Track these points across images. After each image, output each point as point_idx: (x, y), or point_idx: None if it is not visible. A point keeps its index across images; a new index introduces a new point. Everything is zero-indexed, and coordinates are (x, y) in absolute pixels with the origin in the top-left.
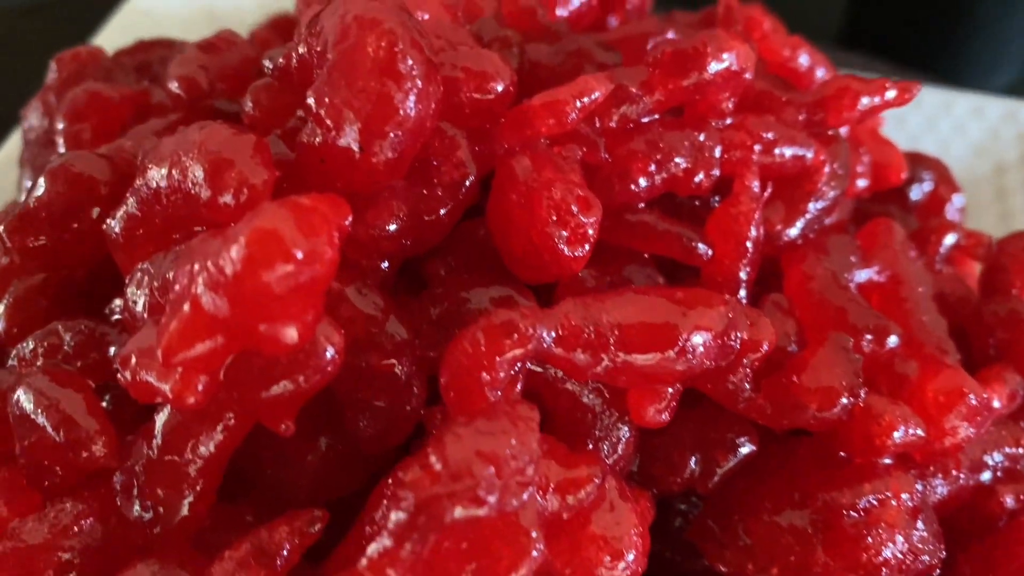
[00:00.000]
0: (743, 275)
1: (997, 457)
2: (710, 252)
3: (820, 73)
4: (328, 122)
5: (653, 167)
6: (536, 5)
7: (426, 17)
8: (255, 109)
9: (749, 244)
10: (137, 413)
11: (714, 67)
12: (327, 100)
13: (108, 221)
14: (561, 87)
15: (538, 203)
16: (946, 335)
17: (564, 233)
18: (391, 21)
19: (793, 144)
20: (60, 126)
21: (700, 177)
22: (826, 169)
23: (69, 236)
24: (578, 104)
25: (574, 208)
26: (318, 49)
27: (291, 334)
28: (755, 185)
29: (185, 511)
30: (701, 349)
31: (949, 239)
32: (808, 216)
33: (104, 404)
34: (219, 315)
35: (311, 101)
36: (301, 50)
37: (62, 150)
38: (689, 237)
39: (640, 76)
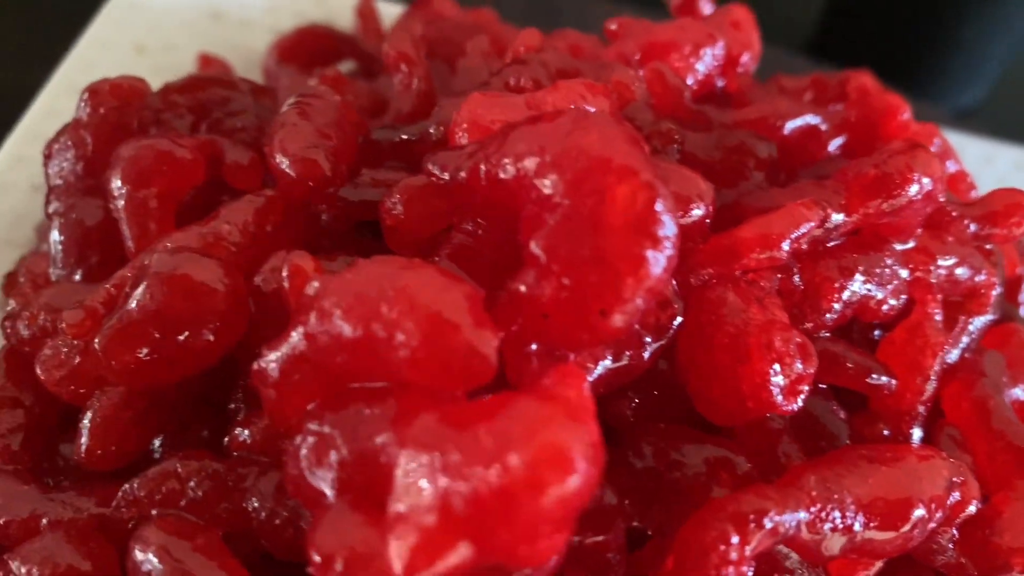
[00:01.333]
0: (922, 410)
1: None
2: (894, 385)
3: (949, 165)
4: (565, 280)
5: (847, 294)
6: (683, 85)
7: (593, 111)
8: (405, 213)
9: (933, 379)
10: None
11: (913, 190)
12: (563, 255)
13: (261, 362)
14: (772, 216)
15: (757, 353)
16: None
17: (781, 383)
18: (647, 171)
19: (970, 265)
20: (119, 190)
21: (891, 303)
22: (996, 291)
23: (173, 351)
24: (797, 232)
25: (798, 363)
26: (545, 190)
27: (550, 552)
28: (938, 314)
29: None
30: (933, 522)
31: None
32: (972, 338)
33: None
34: (477, 532)
35: (538, 251)
36: (505, 174)
37: (124, 224)
38: (876, 370)
39: (839, 198)
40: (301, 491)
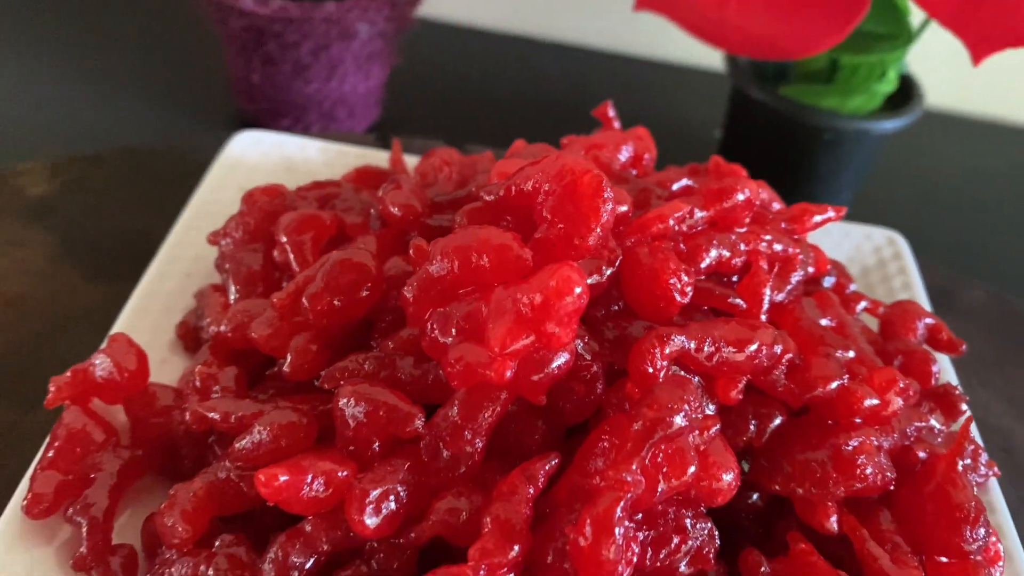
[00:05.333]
0: (764, 319)
1: (911, 428)
2: (744, 305)
3: (775, 204)
4: (561, 226)
5: (712, 254)
6: (613, 160)
7: None
8: (468, 223)
9: (766, 301)
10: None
11: (740, 197)
12: (559, 213)
13: (405, 290)
14: (663, 207)
15: (662, 272)
16: (875, 354)
17: (679, 286)
18: (596, 170)
19: (782, 243)
20: (287, 238)
21: (736, 261)
22: (800, 258)
23: (348, 301)
24: (676, 215)
25: (683, 276)
26: (546, 189)
27: (571, 336)
28: (765, 265)
29: (474, 457)
30: (765, 352)
31: (862, 304)
32: (791, 287)
33: None
34: (534, 327)
35: (547, 214)
36: (526, 188)
37: (291, 255)
38: (732, 296)
39: (699, 202)
40: (435, 347)
